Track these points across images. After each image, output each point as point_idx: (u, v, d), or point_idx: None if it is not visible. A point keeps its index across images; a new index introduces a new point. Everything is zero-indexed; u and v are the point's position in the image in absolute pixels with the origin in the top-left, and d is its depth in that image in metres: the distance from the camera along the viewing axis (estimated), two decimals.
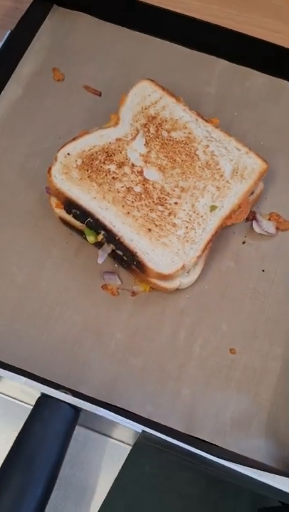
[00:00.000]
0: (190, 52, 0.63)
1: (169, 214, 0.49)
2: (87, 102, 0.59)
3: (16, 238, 0.52)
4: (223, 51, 0.63)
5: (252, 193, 0.53)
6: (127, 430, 0.41)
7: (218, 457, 0.39)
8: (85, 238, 0.50)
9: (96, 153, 0.51)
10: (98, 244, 0.50)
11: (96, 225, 0.48)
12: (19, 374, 0.41)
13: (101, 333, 0.49)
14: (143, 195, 0.50)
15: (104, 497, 0.38)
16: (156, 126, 0.53)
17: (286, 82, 0.62)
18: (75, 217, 0.50)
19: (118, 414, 0.40)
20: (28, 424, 0.39)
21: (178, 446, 0.39)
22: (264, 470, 0.43)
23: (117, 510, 0.38)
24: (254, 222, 0.54)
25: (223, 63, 0.63)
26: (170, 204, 0.50)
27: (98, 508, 0.37)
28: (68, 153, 0.51)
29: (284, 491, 0.38)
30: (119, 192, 0.49)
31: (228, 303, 0.51)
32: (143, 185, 0.50)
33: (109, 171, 0.50)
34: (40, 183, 0.54)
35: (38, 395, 0.40)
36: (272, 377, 0.48)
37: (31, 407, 0.40)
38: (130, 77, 0.60)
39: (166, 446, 0.39)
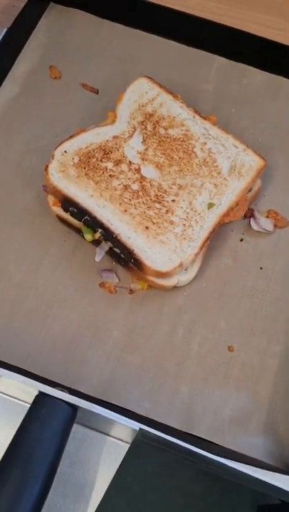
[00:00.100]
0: (187, 49, 0.63)
1: (167, 211, 0.49)
2: (84, 100, 0.59)
3: (13, 236, 0.52)
4: (220, 48, 0.62)
5: (250, 191, 0.53)
6: (124, 428, 0.41)
7: (217, 455, 0.39)
8: (83, 236, 0.50)
9: (93, 151, 0.51)
10: (96, 242, 0.50)
11: (93, 223, 0.48)
12: (17, 372, 0.40)
13: (98, 331, 0.48)
14: (140, 193, 0.50)
15: (102, 495, 0.38)
16: (154, 124, 0.53)
17: (284, 79, 0.62)
18: (72, 215, 0.50)
19: (115, 412, 0.40)
20: (26, 423, 0.39)
21: (176, 444, 0.39)
22: (263, 468, 0.43)
23: (116, 509, 0.38)
24: (252, 219, 0.53)
25: (221, 60, 0.63)
26: (167, 202, 0.50)
27: (96, 506, 0.37)
28: (65, 151, 0.51)
29: (283, 489, 0.38)
30: (116, 190, 0.49)
31: (226, 300, 0.51)
32: (140, 182, 0.50)
33: (107, 169, 0.50)
34: (37, 181, 0.54)
35: (36, 393, 0.40)
36: (271, 374, 0.48)
37: (29, 406, 0.40)
38: (127, 75, 0.60)
39: (165, 444, 0.39)
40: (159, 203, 0.49)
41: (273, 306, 0.51)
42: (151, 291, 0.50)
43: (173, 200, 0.50)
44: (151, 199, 0.49)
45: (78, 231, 0.51)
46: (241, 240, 0.53)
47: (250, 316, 0.50)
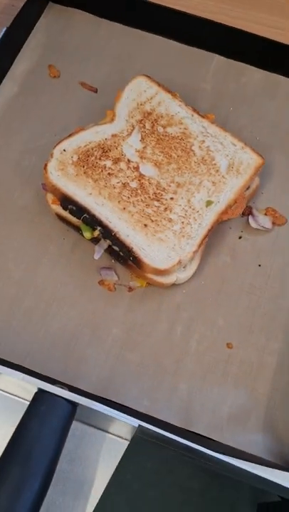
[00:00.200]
0: (186, 48, 0.63)
1: (165, 209, 0.49)
2: (83, 99, 0.59)
3: (13, 234, 0.52)
4: (218, 47, 0.63)
5: (248, 188, 0.53)
6: (124, 425, 0.41)
7: (216, 451, 0.39)
8: (82, 234, 0.50)
9: (92, 149, 0.51)
10: (95, 240, 0.50)
11: (92, 221, 0.48)
12: (16, 370, 0.41)
13: (98, 329, 0.49)
14: (139, 191, 0.50)
15: (102, 492, 0.38)
16: (152, 122, 0.53)
17: (282, 77, 0.62)
18: (71, 213, 0.50)
19: (115, 409, 0.40)
20: (25, 420, 0.39)
21: (175, 440, 0.39)
22: (262, 464, 0.43)
23: (116, 505, 0.38)
24: (250, 217, 0.54)
25: (219, 59, 0.63)
26: (166, 199, 0.50)
27: (96, 503, 0.38)
28: (64, 150, 0.51)
29: (282, 486, 0.38)
30: (115, 188, 0.50)
31: (225, 298, 0.51)
32: (139, 180, 0.50)
33: (105, 167, 0.50)
34: (36, 179, 0.54)
35: (35, 390, 0.40)
36: (269, 371, 0.48)
37: (28, 403, 0.40)
38: (126, 74, 0.60)
39: (164, 440, 0.39)
40: (158, 200, 0.50)
41: (272, 304, 0.51)
42: (150, 288, 0.51)
43: (171, 198, 0.50)
44: (149, 197, 0.50)
45: (77, 229, 0.51)
46: (240, 238, 0.53)
47: (249, 314, 0.50)
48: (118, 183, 0.50)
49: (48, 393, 0.40)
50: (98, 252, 0.50)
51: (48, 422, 0.39)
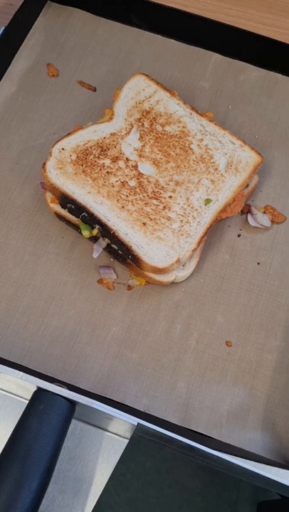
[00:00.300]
0: (184, 46, 0.63)
1: (164, 208, 0.49)
2: (81, 98, 0.59)
3: (12, 233, 0.52)
4: (217, 45, 0.63)
5: (247, 186, 0.53)
6: (123, 423, 0.41)
7: (215, 449, 0.39)
8: (81, 233, 0.50)
9: (90, 148, 0.51)
10: (93, 239, 0.50)
11: (91, 220, 0.48)
12: (15, 368, 0.41)
13: (97, 327, 0.49)
14: (137, 190, 0.50)
15: (101, 490, 0.38)
16: (151, 121, 0.53)
17: (280, 75, 0.62)
18: (70, 211, 0.50)
19: (114, 407, 0.40)
20: (24, 418, 0.39)
21: (174, 438, 0.39)
22: (261, 462, 0.43)
23: (115, 504, 0.38)
24: (249, 215, 0.54)
25: (217, 57, 0.63)
26: (164, 198, 0.50)
27: (95, 501, 0.38)
28: (63, 148, 0.51)
29: (281, 483, 0.38)
30: (113, 186, 0.50)
31: (224, 296, 0.51)
32: (137, 179, 0.50)
33: (104, 166, 0.50)
34: (35, 178, 0.54)
35: (34, 389, 0.40)
36: (268, 369, 0.48)
37: (27, 402, 0.40)
38: (125, 72, 0.61)
39: (163, 439, 0.39)
40: (156, 199, 0.50)
41: (271, 302, 0.51)
42: (149, 287, 0.51)
43: (170, 197, 0.50)
44: (148, 195, 0.50)
45: (76, 228, 0.51)
46: (239, 236, 0.53)
47: (248, 312, 0.50)
48: (117, 181, 0.50)
49: (47, 392, 0.40)
50: (97, 250, 0.50)
51: (47, 420, 0.39)
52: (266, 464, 0.43)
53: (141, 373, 0.47)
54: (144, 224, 0.48)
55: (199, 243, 0.49)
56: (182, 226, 0.49)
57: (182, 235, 0.49)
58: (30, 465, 0.38)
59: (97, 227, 0.48)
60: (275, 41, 0.60)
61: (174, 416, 0.46)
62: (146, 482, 0.38)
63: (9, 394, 0.46)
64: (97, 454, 0.45)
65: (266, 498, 0.39)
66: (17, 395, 0.46)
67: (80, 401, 0.40)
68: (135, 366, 0.47)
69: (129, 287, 0.50)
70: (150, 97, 0.55)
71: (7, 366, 0.41)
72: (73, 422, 0.43)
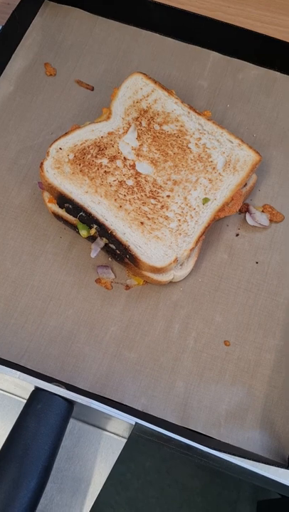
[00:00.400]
0: (182, 45, 0.63)
1: (162, 207, 0.49)
2: (79, 97, 0.59)
3: (9, 233, 0.52)
4: (215, 43, 0.62)
5: (245, 185, 0.53)
6: (121, 423, 0.41)
7: (213, 449, 0.39)
8: (78, 232, 0.50)
9: (88, 147, 0.51)
10: (91, 238, 0.50)
11: (89, 219, 0.48)
12: (13, 368, 0.41)
13: (95, 327, 0.49)
14: (135, 189, 0.50)
15: (99, 489, 0.38)
16: (148, 120, 0.53)
17: (278, 73, 0.62)
18: (67, 211, 0.50)
19: (112, 406, 0.40)
20: (22, 418, 0.39)
21: (172, 438, 0.39)
22: (259, 461, 0.43)
23: (113, 503, 0.38)
24: (247, 214, 0.54)
25: (216, 56, 0.63)
26: (162, 197, 0.50)
27: (94, 501, 0.38)
28: (60, 148, 0.51)
29: (280, 483, 0.38)
30: (111, 186, 0.49)
31: (222, 295, 0.51)
32: (135, 178, 0.50)
33: (102, 165, 0.50)
34: (33, 178, 0.54)
35: (32, 388, 0.41)
36: (267, 369, 0.48)
37: (25, 401, 0.40)
38: (122, 71, 0.60)
39: (161, 438, 0.39)
40: (154, 198, 0.50)
41: (269, 301, 0.51)
42: (147, 286, 0.51)
43: (168, 196, 0.50)
44: (146, 195, 0.50)
45: (74, 227, 0.51)
46: (237, 235, 0.53)
47: (246, 311, 0.50)
48: (114, 181, 0.50)
49: (45, 391, 0.40)
50: (95, 250, 0.50)
51: (44, 420, 0.39)
52: (265, 463, 0.43)
53: (139, 373, 0.47)
54: (142, 223, 0.48)
55: (197, 242, 0.49)
56: (180, 225, 0.49)
57: (180, 234, 0.49)
58: (28, 464, 0.38)
59: (95, 226, 0.48)
60: (273, 39, 0.60)
61: (173, 415, 0.46)
62: (147, 482, 0.38)
63: (7, 393, 0.46)
64: (96, 454, 0.45)
65: (266, 497, 0.39)
66: (15, 395, 0.46)
67: (77, 400, 0.40)
68: (133, 366, 0.47)
69: (127, 287, 0.50)
70: (148, 96, 0.55)
71: (5, 366, 0.41)
72: (72, 421, 0.44)
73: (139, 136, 0.52)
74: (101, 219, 0.48)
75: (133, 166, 0.51)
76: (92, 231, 0.49)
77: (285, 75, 0.62)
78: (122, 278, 0.51)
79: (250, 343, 0.49)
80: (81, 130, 0.52)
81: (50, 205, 0.51)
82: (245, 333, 0.49)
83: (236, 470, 0.39)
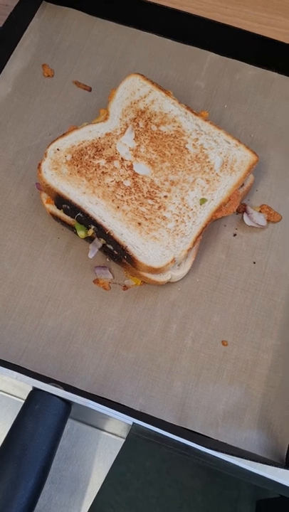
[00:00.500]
0: (179, 45, 0.63)
1: (159, 207, 0.49)
2: (77, 98, 0.59)
3: (8, 234, 0.52)
4: (212, 44, 0.62)
5: (242, 186, 0.53)
6: (119, 423, 0.41)
7: (211, 449, 0.39)
8: (76, 233, 0.50)
9: (85, 148, 0.51)
10: (89, 239, 0.50)
11: (86, 220, 0.48)
12: (11, 369, 0.41)
13: (93, 327, 0.49)
14: (133, 189, 0.50)
15: (97, 489, 0.38)
16: (146, 121, 0.53)
17: (276, 74, 0.62)
18: (65, 212, 0.50)
19: (109, 407, 0.40)
20: (20, 418, 0.40)
21: (170, 438, 0.39)
22: (257, 461, 0.43)
23: (112, 502, 0.38)
24: (245, 214, 0.54)
25: (213, 56, 0.63)
26: (160, 198, 0.50)
27: (92, 501, 0.38)
28: (58, 149, 0.51)
29: (277, 482, 0.39)
30: (108, 186, 0.50)
31: (220, 295, 0.51)
32: (133, 179, 0.50)
33: (99, 166, 0.50)
34: (30, 179, 0.54)
35: (30, 389, 0.41)
36: (264, 368, 0.48)
37: (23, 401, 0.40)
38: (120, 72, 0.61)
39: (159, 438, 0.39)
40: (152, 199, 0.50)
41: (267, 301, 0.51)
42: (145, 287, 0.51)
43: (165, 196, 0.50)
44: (143, 195, 0.50)
45: (72, 228, 0.51)
46: (234, 235, 0.53)
47: (244, 311, 0.50)
48: (112, 181, 0.50)
49: (43, 392, 0.40)
50: (93, 250, 0.50)
51: (42, 420, 0.39)
52: (262, 462, 0.43)
53: (137, 373, 0.47)
54: (140, 224, 0.48)
55: (195, 243, 0.49)
56: (177, 226, 0.49)
57: (177, 234, 0.49)
58: (26, 465, 0.38)
59: (93, 227, 0.48)
60: (270, 40, 0.60)
61: (170, 415, 0.46)
62: (147, 482, 0.39)
63: (5, 394, 0.46)
64: (94, 454, 0.45)
65: (266, 496, 0.39)
66: (13, 395, 0.46)
67: (75, 401, 0.40)
68: (131, 366, 0.48)
69: (125, 287, 0.50)
70: (145, 97, 0.55)
71: (3, 367, 0.41)
72: (70, 421, 0.44)
73: (136, 136, 0.53)
74: (99, 220, 0.48)
75: (130, 167, 0.51)
76: (90, 232, 0.49)
77: (283, 76, 0.62)
78: (119, 278, 0.51)
79: (247, 343, 0.49)
80: (79, 131, 0.52)
81: (48, 206, 0.51)
82: (242, 333, 0.49)
83: (234, 470, 0.39)
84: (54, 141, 0.51)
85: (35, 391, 0.40)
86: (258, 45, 0.60)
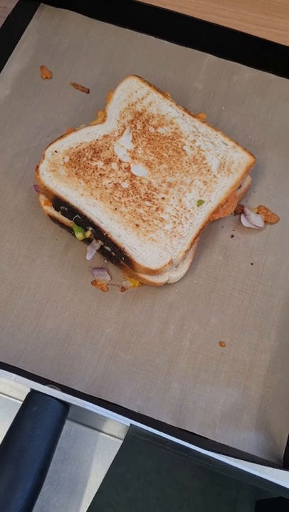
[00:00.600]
0: (177, 47, 0.63)
1: (157, 209, 0.50)
2: (75, 100, 0.60)
3: (6, 236, 0.52)
4: (210, 46, 0.63)
5: (239, 187, 0.53)
6: (116, 425, 0.41)
7: (209, 450, 0.39)
8: (74, 235, 0.50)
9: (83, 150, 0.51)
10: (87, 241, 0.50)
11: (84, 222, 0.49)
12: (9, 370, 0.41)
13: (91, 329, 0.49)
14: (130, 191, 0.50)
15: (96, 490, 0.38)
16: (143, 122, 0.54)
17: (273, 75, 0.62)
18: (63, 214, 0.50)
19: (107, 408, 0.40)
20: (18, 420, 0.40)
21: (168, 439, 0.39)
22: (255, 462, 0.43)
23: (116, 503, 0.38)
24: (242, 215, 0.54)
25: (211, 58, 0.63)
26: (157, 199, 0.50)
27: (90, 502, 0.38)
28: (56, 151, 0.51)
29: (275, 483, 0.39)
30: (106, 188, 0.50)
31: (218, 296, 0.51)
32: (130, 181, 0.50)
33: (97, 168, 0.51)
34: (28, 181, 0.55)
35: (28, 390, 0.41)
36: (262, 369, 0.48)
37: (21, 403, 0.40)
38: (118, 74, 0.61)
39: (157, 439, 0.39)
40: (149, 200, 0.50)
41: (264, 302, 0.51)
42: (142, 288, 0.51)
43: (163, 198, 0.50)
44: (141, 197, 0.50)
45: (70, 230, 0.51)
46: (232, 237, 0.54)
47: (242, 312, 0.50)
48: (110, 183, 0.50)
49: (40, 394, 0.40)
50: (90, 252, 0.50)
51: (40, 422, 0.39)
52: (260, 463, 0.43)
53: (135, 374, 0.47)
54: (137, 225, 0.48)
55: (192, 244, 0.49)
56: (175, 227, 0.49)
57: (175, 236, 0.49)
58: (24, 466, 0.38)
59: (91, 229, 0.49)
60: (268, 42, 0.60)
61: (168, 417, 0.46)
62: (147, 482, 0.39)
63: (3, 395, 0.46)
64: (92, 455, 0.45)
65: (265, 497, 0.39)
66: (11, 397, 0.46)
67: (73, 402, 0.40)
68: (129, 367, 0.48)
69: (123, 289, 0.51)
70: (143, 99, 0.55)
71: (1, 368, 0.41)
72: (68, 423, 0.44)
73: (134, 138, 0.53)
74: (96, 221, 0.48)
75: (128, 169, 0.51)
76: (88, 233, 0.49)
77: (280, 77, 0.62)
78: (117, 280, 0.51)
79: (245, 344, 0.49)
80: (76, 133, 0.52)
81: (46, 207, 0.51)
82: (240, 334, 0.49)
83: (232, 471, 0.39)
84: (52, 143, 0.51)
85: (33, 393, 0.40)
86: (255, 47, 0.61)
